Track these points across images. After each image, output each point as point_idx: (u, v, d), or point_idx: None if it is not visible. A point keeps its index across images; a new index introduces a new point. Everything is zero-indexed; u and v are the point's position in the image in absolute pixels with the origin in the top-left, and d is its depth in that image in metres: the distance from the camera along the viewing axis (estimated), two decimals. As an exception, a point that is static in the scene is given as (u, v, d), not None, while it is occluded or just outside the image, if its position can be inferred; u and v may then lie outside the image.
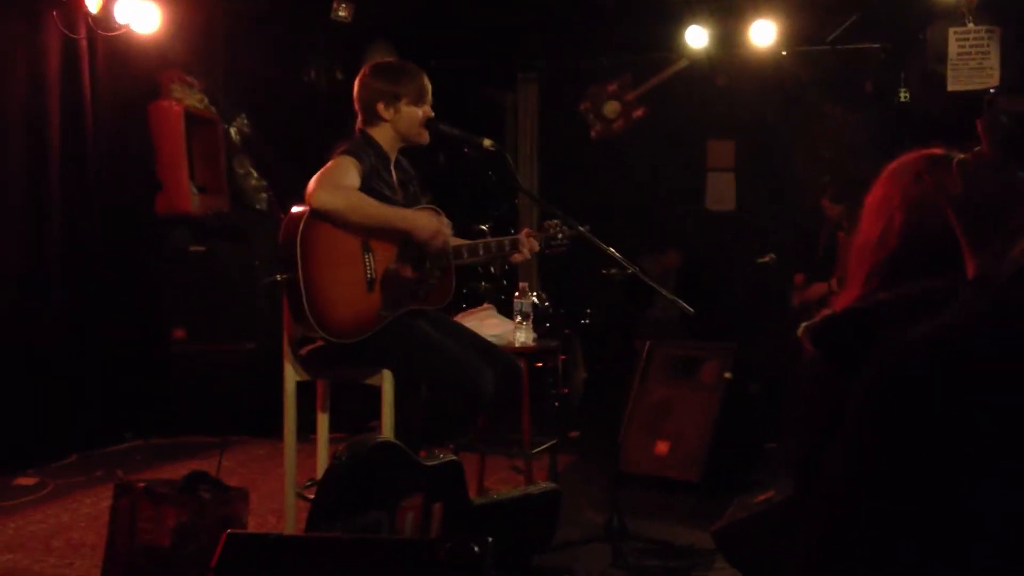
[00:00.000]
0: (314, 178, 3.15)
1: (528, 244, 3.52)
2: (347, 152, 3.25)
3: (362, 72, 3.44)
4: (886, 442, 1.25)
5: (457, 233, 3.49)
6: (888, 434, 1.26)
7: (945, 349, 1.22)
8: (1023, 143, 1.34)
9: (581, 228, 3.47)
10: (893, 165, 1.81)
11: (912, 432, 1.23)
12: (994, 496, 1.14)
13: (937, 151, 1.77)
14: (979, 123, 1.35)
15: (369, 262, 3.23)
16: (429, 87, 3.41)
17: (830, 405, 1.62)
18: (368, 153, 3.30)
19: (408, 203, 3.39)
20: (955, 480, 1.17)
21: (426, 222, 3.27)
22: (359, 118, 3.42)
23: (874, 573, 1.22)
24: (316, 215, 3.14)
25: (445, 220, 3.36)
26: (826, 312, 1.88)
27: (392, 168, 3.42)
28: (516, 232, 3.61)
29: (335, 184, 3.14)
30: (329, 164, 3.22)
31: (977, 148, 1.33)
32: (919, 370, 1.23)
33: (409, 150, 3.50)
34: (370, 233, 3.22)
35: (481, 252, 3.52)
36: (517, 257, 3.55)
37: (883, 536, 1.22)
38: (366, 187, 3.23)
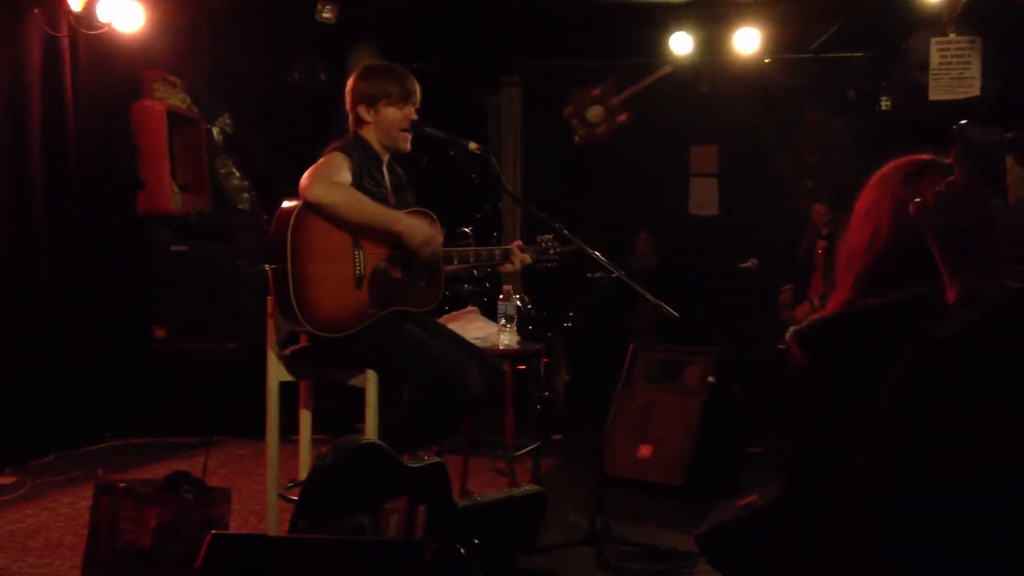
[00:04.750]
0: (308, 172, 3.16)
1: (520, 257, 3.51)
2: (338, 149, 3.25)
3: (352, 75, 3.44)
4: (913, 439, 1.26)
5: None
6: (916, 431, 1.27)
7: (977, 347, 1.25)
8: (995, 172, 1.39)
9: (567, 233, 3.45)
10: (882, 170, 1.83)
11: (940, 429, 1.25)
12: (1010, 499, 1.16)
13: (925, 156, 1.79)
14: (951, 154, 1.40)
15: (359, 259, 3.23)
16: (415, 90, 3.40)
17: (818, 408, 1.63)
18: (359, 153, 3.29)
19: (399, 207, 3.38)
20: (987, 480, 1.19)
21: (419, 228, 3.24)
22: (350, 120, 3.43)
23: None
24: (308, 208, 3.13)
25: (439, 228, 3.35)
26: (814, 317, 1.90)
27: (384, 170, 3.42)
28: (499, 234, 3.62)
29: (329, 179, 3.14)
30: (321, 160, 3.22)
31: (951, 178, 1.38)
32: (954, 366, 1.25)
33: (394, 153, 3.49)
34: (361, 231, 3.21)
35: (472, 259, 3.52)
36: (507, 267, 3.53)
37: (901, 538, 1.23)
38: (356, 187, 3.23)
